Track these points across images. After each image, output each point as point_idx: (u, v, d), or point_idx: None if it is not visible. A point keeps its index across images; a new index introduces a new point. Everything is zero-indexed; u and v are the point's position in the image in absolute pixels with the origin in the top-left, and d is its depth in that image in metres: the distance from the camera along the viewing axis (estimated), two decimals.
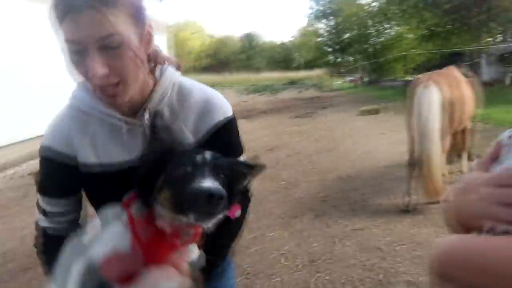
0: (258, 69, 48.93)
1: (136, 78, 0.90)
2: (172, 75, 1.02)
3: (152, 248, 0.74)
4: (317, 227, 3.55)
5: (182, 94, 1.03)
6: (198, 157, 0.74)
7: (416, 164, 3.59)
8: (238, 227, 1.08)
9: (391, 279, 2.64)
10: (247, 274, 2.85)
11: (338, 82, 28.34)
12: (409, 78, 17.22)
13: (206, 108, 1.02)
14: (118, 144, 0.98)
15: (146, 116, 0.97)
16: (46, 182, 1.00)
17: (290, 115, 11.82)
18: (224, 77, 39.43)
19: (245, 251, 3.15)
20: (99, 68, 0.82)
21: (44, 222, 1.01)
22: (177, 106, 1.01)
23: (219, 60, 52.97)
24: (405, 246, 3.06)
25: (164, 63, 1.04)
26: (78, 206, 1.04)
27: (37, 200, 1.01)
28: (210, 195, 0.65)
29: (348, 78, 28.31)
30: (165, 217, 0.74)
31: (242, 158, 1.07)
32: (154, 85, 0.99)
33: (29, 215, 3.94)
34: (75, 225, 1.03)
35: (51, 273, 0.93)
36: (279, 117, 11.68)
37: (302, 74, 40.18)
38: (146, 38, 0.91)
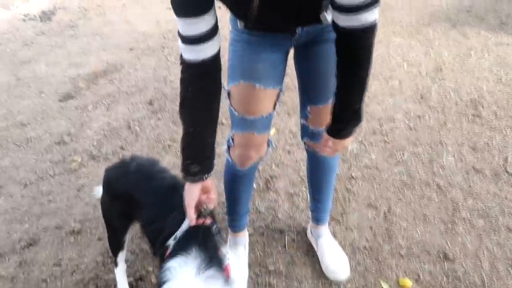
0: None
1: None
2: None
3: None
4: (452, 38, 3.16)
5: None
6: None
7: None
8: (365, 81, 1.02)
9: None
10: None
11: None
12: None
13: None
14: None
15: None
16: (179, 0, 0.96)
17: None
18: None
19: None
20: None
21: (185, 52, 0.99)
22: None
23: None
24: None
25: None
26: (214, 31, 0.98)
27: (178, 30, 0.99)
28: None
29: None
30: None
31: None
32: None
33: (162, 2, 4.17)
34: (214, 59, 1.00)
35: (182, 107, 1.04)
36: None
37: None
38: None
